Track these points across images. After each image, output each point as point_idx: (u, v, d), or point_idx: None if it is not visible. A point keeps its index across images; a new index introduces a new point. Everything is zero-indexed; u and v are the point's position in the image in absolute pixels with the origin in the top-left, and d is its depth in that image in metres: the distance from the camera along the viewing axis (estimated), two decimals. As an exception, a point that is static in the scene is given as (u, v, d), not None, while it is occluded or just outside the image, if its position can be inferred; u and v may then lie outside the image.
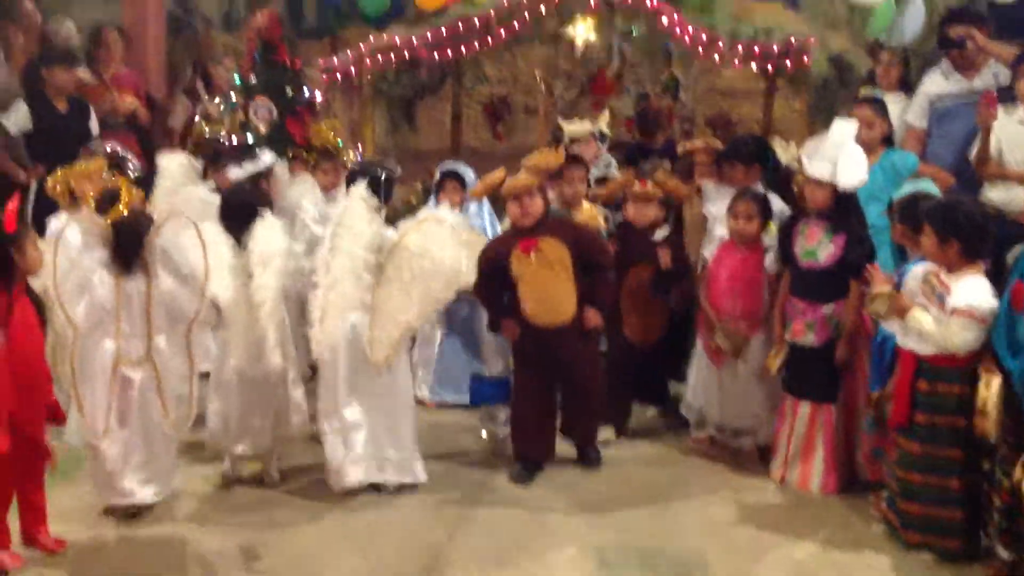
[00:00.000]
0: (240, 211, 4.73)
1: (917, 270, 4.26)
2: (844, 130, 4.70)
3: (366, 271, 4.57)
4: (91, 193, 4.58)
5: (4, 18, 7.56)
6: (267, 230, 4.64)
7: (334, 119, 6.51)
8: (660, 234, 5.33)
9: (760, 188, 5.37)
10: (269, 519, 4.52)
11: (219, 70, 7.84)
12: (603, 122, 6.44)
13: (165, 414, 4.35)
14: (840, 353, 4.68)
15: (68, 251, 4.21)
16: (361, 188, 4.67)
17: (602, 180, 6.25)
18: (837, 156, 4.62)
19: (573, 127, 6.34)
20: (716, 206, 5.48)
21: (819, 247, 4.70)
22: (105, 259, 4.27)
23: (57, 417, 4.19)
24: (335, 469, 4.70)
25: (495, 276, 4.86)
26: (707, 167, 5.73)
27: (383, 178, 4.88)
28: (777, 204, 5.26)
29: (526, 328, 4.86)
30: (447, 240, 4.63)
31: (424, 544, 4.30)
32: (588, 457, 5.08)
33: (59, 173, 4.95)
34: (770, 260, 5.03)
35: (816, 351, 4.73)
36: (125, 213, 4.28)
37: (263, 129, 6.55)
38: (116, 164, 5.49)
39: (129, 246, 4.27)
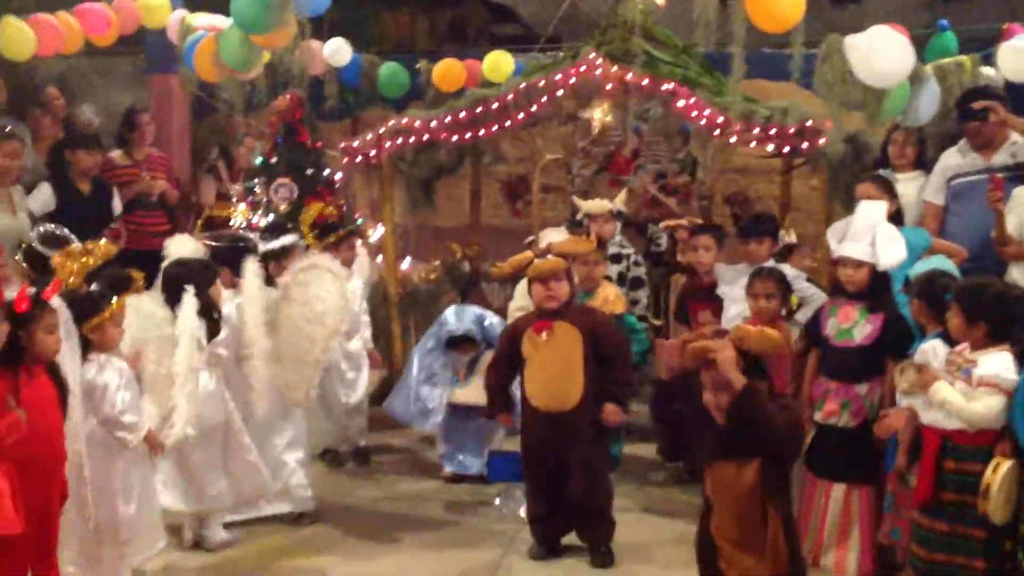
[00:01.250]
0: (172, 285, 4.87)
1: (930, 346, 4.25)
2: (874, 210, 4.76)
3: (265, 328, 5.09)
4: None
5: (32, 104, 7.77)
6: (187, 307, 4.78)
7: (331, 201, 6.60)
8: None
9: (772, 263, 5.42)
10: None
11: (240, 151, 7.98)
12: (620, 200, 6.47)
13: (73, 502, 4.24)
14: (880, 432, 4.55)
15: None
16: (254, 265, 5.15)
17: (616, 257, 6.25)
18: (874, 236, 4.66)
19: (590, 204, 6.36)
20: (730, 285, 5.49)
21: (855, 327, 4.69)
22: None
23: (63, 496, 4.16)
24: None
25: (508, 355, 4.89)
26: (688, 243, 5.83)
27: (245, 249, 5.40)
28: (790, 271, 5.31)
29: (529, 412, 4.82)
30: (326, 279, 5.15)
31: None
32: (598, 554, 4.84)
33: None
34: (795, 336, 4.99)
35: (851, 432, 4.64)
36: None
37: (283, 208, 6.64)
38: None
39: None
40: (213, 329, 4.92)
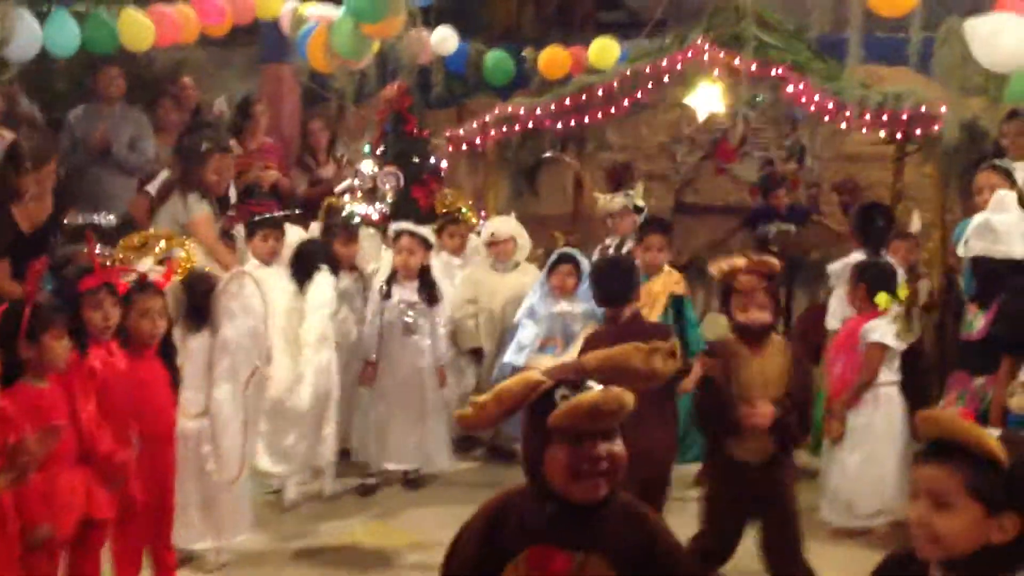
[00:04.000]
0: (304, 263, 5.34)
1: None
2: (995, 199, 4.70)
3: None
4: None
5: (162, 95, 8.02)
6: (321, 283, 5.29)
7: (456, 189, 6.69)
8: None
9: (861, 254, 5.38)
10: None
11: (315, 134, 8.10)
12: (638, 196, 6.39)
13: (217, 465, 4.44)
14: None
15: None
16: None
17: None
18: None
19: (606, 201, 6.32)
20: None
21: (975, 319, 4.67)
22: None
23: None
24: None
25: None
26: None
27: None
28: None
29: None
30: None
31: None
32: None
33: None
34: (880, 333, 4.83)
35: None
36: (186, 273, 4.38)
37: (390, 196, 6.73)
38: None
39: (197, 303, 4.37)
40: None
